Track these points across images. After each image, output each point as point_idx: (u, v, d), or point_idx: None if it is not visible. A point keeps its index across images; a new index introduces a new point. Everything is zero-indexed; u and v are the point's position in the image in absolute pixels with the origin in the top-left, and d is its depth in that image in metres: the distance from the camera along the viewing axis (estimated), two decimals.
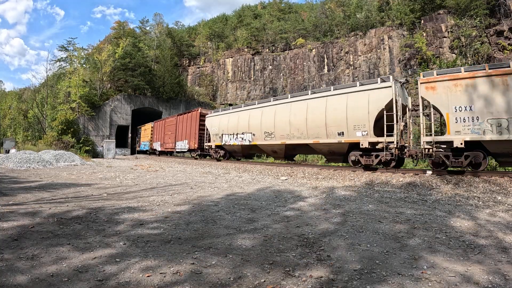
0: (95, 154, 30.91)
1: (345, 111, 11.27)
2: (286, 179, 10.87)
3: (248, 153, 18.33)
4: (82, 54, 40.60)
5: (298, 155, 20.07)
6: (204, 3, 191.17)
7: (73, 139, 29.74)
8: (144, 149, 36.83)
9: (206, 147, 20.52)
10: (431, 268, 2.89)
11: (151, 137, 33.40)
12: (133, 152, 39.75)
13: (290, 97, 13.97)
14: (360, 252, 3.34)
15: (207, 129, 20.25)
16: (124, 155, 36.95)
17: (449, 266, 2.95)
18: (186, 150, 23.74)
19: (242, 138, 16.42)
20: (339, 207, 5.80)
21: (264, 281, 2.59)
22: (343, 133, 11.39)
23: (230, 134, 17.38)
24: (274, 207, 5.78)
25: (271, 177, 11.68)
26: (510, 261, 3.09)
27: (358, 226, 4.38)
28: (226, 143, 17.80)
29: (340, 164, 14.40)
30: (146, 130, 35.91)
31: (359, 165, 11.42)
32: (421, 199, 6.83)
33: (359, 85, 11.28)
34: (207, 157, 22.54)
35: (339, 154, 12.34)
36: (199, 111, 21.89)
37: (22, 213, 4.91)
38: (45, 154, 17.83)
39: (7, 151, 24.02)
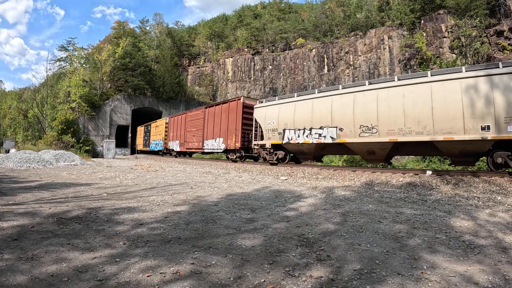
0: (95, 154, 30.94)
1: (492, 98, 8.51)
2: (286, 179, 10.87)
3: (320, 153, 14.03)
4: (82, 54, 40.68)
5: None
6: (204, 3, 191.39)
7: (73, 139, 29.79)
8: (156, 149, 31.72)
9: (255, 147, 15.97)
10: (431, 268, 2.89)
11: (165, 135, 28.80)
12: (133, 152, 39.78)
13: (398, 79, 10.43)
14: (360, 252, 3.34)
15: (256, 124, 15.79)
16: (124, 155, 36.98)
17: (449, 266, 2.95)
18: (221, 150, 18.80)
19: (320, 135, 12.13)
20: (339, 207, 5.80)
21: (264, 281, 2.59)
22: (488, 127, 8.65)
23: (299, 129, 13.02)
24: (274, 207, 5.78)
25: (271, 177, 11.68)
26: (510, 261, 3.09)
27: (358, 226, 4.38)
28: (291, 141, 13.40)
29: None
30: (158, 127, 31.23)
31: (503, 169, 8.92)
32: (421, 199, 6.83)
33: (503, 66, 8.56)
34: (247, 160, 17.84)
35: (473, 155, 9.68)
36: (241, 100, 17.11)
37: (22, 212, 4.91)
38: (45, 154, 17.83)
39: (7, 151, 24.03)
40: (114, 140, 31.69)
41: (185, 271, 2.76)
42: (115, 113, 36.25)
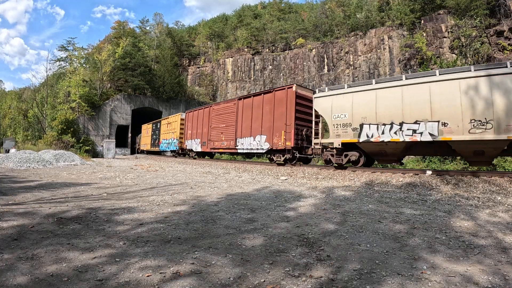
0: (95, 153, 30.96)
1: None
2: (286, 179, 10.87)
3: (404, 154, 11.55)
4: (82, 54, 40.69)
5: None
6: (204, 3, 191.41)
7: (73, 138, 29.81)
8: (168, 150, 28.15)
9: (317, 147, 12.84)
10: (431, 268, 2.89)
11: (181, 133, 25.26)
12: (133, 152, 39.76)
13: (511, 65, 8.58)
14: (360, 252, 3.34)
15: (318, 118, 12.99)
16: (124, 155, 36.99)
17: (449, 266, 2.95)
18: (263, 151, 15.48)
19: (414, 131, 9.86)
20: (339, 207, 5.80)
21: (264, 281, 2.59)
22: None
23: (383, 124, 10.51)
24: (274, 207, 5.78)
25: (271, 177, 11.68)
26: (510, 261, 3.09)
27: (358, 226, 4.38)
28: (371, 139, 10.75)
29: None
30: (170, 124, 27.26)
31: None
32: (421, 199, 6.83)
33: None
34: (298, 163, 14.32)
35: None
36: (294, 89, 13.95)
37: (22, 212, 4.90)
38: (45, 154, 17.83)
39: (7, 151, 24.05)
40: (114, 140, 31.71)
41: (185, 271, 2.76)
42: (115, 113, 36.26)
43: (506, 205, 6.07)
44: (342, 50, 36.39)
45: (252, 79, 43.15)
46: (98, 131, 34.86)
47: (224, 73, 46.01)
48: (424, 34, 28.40)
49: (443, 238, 3.87)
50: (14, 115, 42.99)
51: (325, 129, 13.39)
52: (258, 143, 15.64)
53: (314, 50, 38.77)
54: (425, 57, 27.11)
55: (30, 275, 2.58)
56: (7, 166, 14.36)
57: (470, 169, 11.72)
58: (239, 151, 17.27)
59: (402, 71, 29.14)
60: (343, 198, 6.89)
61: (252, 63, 43.60)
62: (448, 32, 26.99)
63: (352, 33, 36.32)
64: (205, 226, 4.35)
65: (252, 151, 16.31)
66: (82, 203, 5.79)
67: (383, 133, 10.53)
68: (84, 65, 39.84)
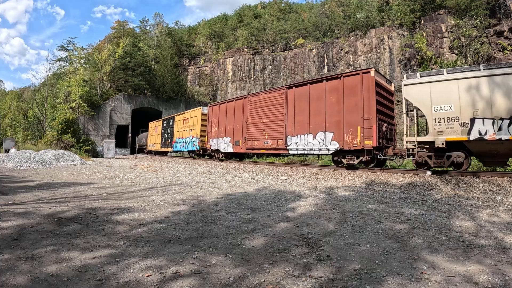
0: (95, 153, 30.95)
1: None
2: (286, 179, 10.87)
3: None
4: (82, 53, 40.67)
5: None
6: (204, 2, 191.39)
7: (73, 138, 29.79)
8: (184, 150, 24.47)
9: (410, 146, 10.39)
10: (431, 268, 2.89)
11: (202, 131, 21.66)
12: (132, 152, 39.75)
13: None
14: (360, 252, 3.34)
15: (410, 109, 10.88)
16: (124, 155, 36.98)
17: (449, 266, 2.95)
18: (329, 151, 12.34)
19: None
20: (339, 207, 5.80)
21: (264, 281, 2.59)
22: None
23: (500, 119, 8.61)
24: (274, 207, 5.78)
25: (271, 177, 11.68)
26: (510, 261, 3.09)
27: (358, 226, 4.38)
28: (486, 137, 8.69)
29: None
30: (188, 121, 23.74)
31: None
32: (421, 199, 6.83)
33: None
34: (373, 166, 11.66)
35: None
36: (372, 74, 11.05)
37: (22, 212, 4.90)
38: (45, 154, 17.84)
39: (7, 151, 24.06)
40: (114, 140, 31.70)
41: (185, 271, 2.76)
42: (115, 113, 36.26)
43: (506, 205, 6.07)
44: (342, 50, 36.40)
45: (252, 79, 43.16)
46: (98, 131, 34.86)
47: (224, 73, 46.00)
48: (424, 34, 28.41)
49: (443, 238, 3.87)
50: (14, 115, 42.96)
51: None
52: (321, 142, 12.47)
53: (314, 50, 38.79)
54: (425, 57, 27.14)
55: (30, 275, 2.58)
56: (7, 166, 14.36)
57: (470, 169, 11.71)
58: (290, 152, 14.12)
59: (402, 71, 29.15)
60: (343, 198, 6.89)
61: (252, 63, 43.61)
62: (448, 32, 27.00)
63: (352, 33, 36.34)
64: (205, 226, 4.35)
65: (312, 152, 13.10)
66: (82, 203, 5.79)
67: (500, 129, 8.59)
68: (84, 65, 39.83)
